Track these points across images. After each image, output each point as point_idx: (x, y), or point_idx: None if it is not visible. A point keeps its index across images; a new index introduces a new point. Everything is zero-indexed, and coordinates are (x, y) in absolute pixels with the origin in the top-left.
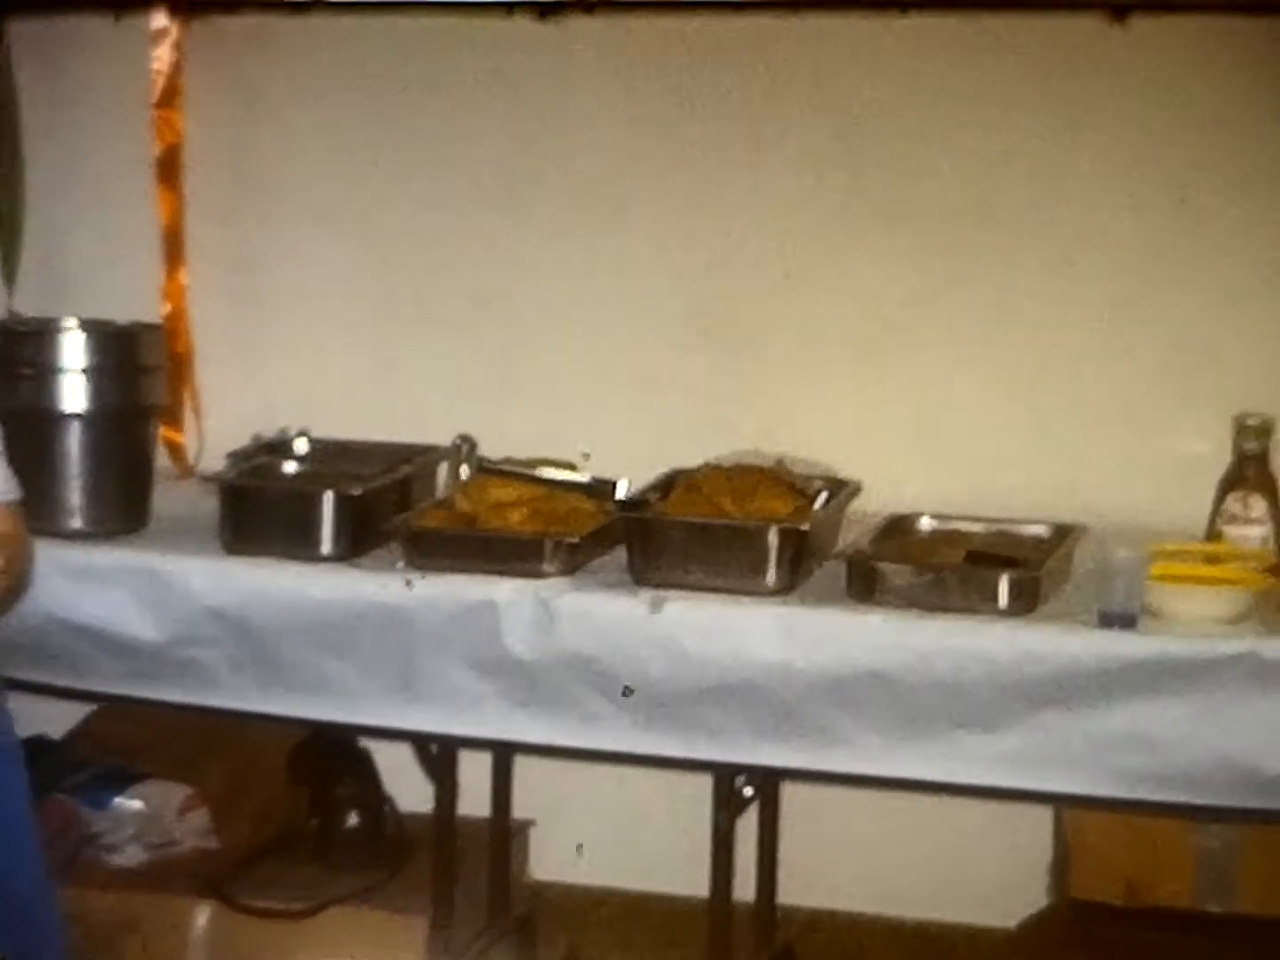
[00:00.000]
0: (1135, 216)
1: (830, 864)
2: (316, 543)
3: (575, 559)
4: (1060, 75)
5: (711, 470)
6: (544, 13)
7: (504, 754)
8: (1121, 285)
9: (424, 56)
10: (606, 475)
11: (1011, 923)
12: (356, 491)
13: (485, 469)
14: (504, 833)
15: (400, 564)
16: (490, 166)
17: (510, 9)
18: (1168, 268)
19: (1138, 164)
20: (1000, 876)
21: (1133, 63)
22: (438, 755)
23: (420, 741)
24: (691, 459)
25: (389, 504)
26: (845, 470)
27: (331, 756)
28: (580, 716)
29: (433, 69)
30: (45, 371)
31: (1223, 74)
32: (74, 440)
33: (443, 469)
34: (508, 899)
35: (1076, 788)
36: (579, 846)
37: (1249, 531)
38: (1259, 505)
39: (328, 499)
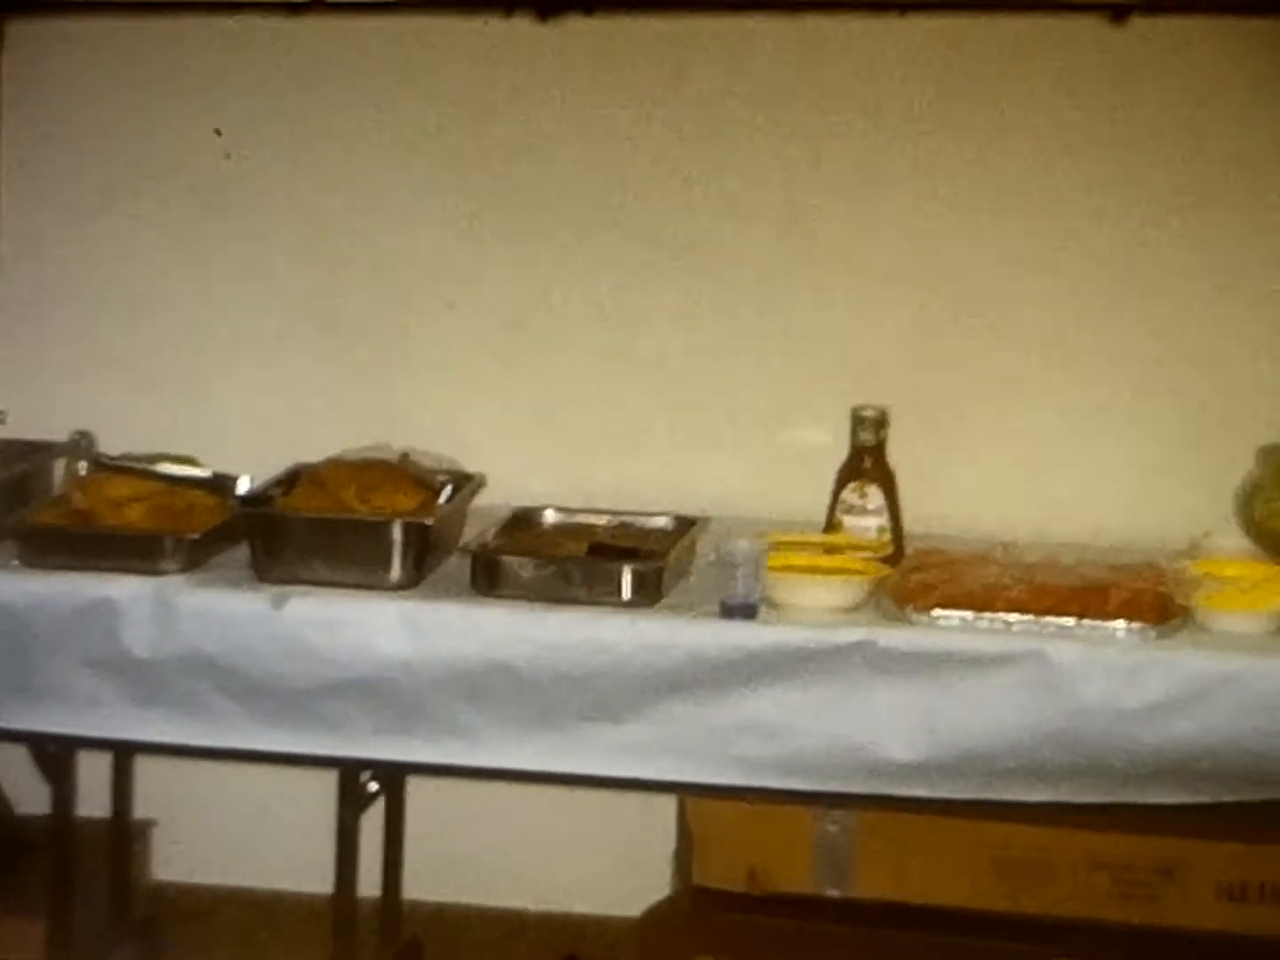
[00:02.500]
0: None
1: (457, 858)
2: None
3: (196, 556)
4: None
5: (335, 465)
6: (544, 13)
7: (124, 754)
8: (742, 277)
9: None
10: (229, 470)
11: (636, 912)
12: None
13: (103, 465)
14: (124, 833)
15: (15, 562)
16: (106, 161)
17: (510, 9)
18: (786, 261)
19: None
20: (625, 866)
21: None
22: (55, 756)
23: (37, 743)
24: (315, 454)
25: (3, 502)
26: (470, 464)
27: None
28: (202, 715)
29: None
30: None
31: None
32: None
33: (60, 465)
34: (129, 900)
35: (699, 776)
36: None
37: (866, 522)
38: (876, 496)
39: None
